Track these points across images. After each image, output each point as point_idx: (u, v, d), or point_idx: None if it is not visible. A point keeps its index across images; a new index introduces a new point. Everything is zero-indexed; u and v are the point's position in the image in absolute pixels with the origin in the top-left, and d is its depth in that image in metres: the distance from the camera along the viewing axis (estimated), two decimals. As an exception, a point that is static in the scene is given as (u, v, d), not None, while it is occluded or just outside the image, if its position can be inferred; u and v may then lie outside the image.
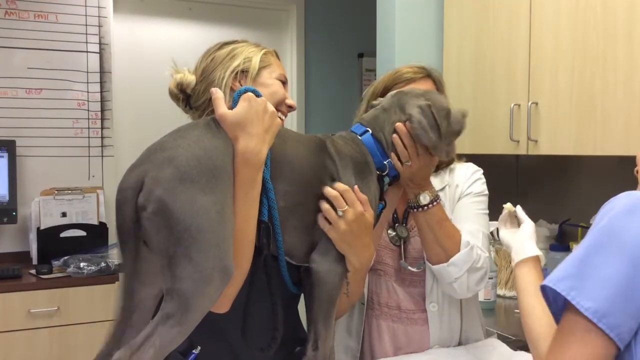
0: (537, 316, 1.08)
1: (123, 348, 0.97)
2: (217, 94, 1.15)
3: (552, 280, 0.91)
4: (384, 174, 1.32)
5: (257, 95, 1.16)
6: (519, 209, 1.46)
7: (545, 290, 0.93)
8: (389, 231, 1.61)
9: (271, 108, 1.17)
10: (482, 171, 1.68)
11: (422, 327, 1.58)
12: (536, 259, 1.29)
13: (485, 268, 1.53)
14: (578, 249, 0.91)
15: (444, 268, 1.49)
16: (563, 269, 0.91)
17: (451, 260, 1.48)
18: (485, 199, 1.64)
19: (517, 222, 1.45)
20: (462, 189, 1.62)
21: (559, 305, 0.93)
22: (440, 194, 1.58)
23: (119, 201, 1.02)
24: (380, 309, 1.60)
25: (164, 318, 0.97)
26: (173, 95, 1.38)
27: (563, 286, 0.89)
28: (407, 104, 1.35)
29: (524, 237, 1.36)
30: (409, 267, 1.58)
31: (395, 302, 1.59)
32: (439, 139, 1.33)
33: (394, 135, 1.33)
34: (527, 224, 1.41)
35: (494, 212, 1.67)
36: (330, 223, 1.21)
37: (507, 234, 1.43)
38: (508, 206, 1.47)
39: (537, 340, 1.06)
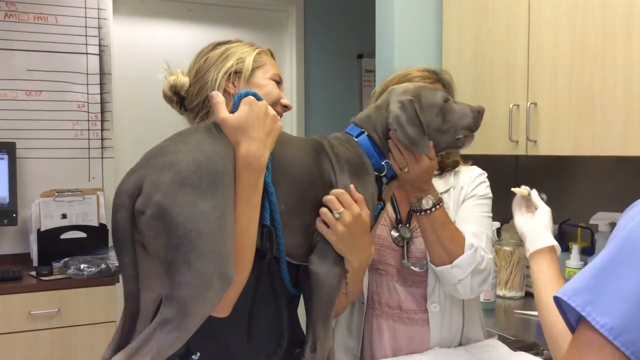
0: (557, 312, 1.00)
1: (120, 352, 0.96)
2: (218, 97, 1.13)
3: (567, 293, 0.84)
4: (382, 174, 1.31)
5: (258, 98, 1.15)
6: (534, 193, 1.37)
7: (558, 301, 0.87)
8: (392, 232, 1.60)
9: (272, 111, 1.16)
10: (486, 174, 1.68)
11: (422, 328, 1.57)
12: (552, 249, 1.23)
13: (489, 269, 1.53)
14: (596, 259, 0.84)
15: (447, 270, 1.48)
16: (579, 279, 0.84)
17: (455, 262, 1.47)
18: (489, 202, 1.64)
19: (533, 207, 1.36)
20: (467, 191, 1.62)
21: (573, 316, 0.87)
22: (445, 196, 1.58)
23: (115, 205, 1.01)
24: (381, 309, 1.60)
25: (162, 323, 0.96)
26: (167, 98, 1.36)
27: (578, 301, 0.82)
28: (391, 101, 1.33)
29: (539, 226, 1.29)
30: (412, 267, 1.57)
31: (397, 302, 1.59)
32: (420, 135, 1.29)
33: (390, 141, 1.31)
34: (543, 210, 1.33)
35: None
36: (328, 226, 1.21)
37: (522, 221, 1.34)
38: (520, 190, 1.38)
39: (557, 335, 1.02)
